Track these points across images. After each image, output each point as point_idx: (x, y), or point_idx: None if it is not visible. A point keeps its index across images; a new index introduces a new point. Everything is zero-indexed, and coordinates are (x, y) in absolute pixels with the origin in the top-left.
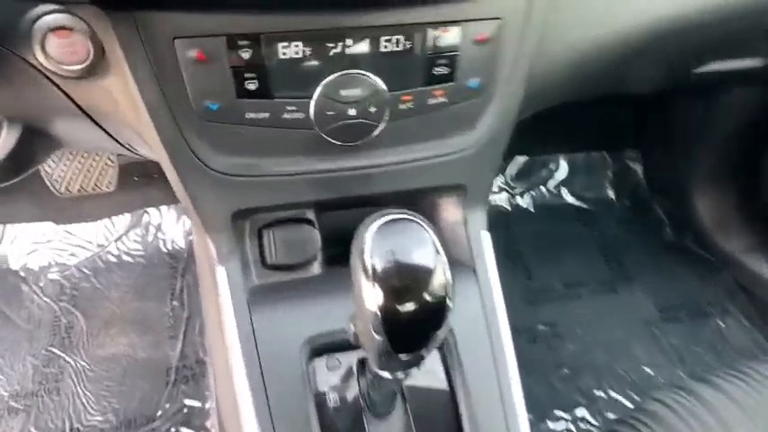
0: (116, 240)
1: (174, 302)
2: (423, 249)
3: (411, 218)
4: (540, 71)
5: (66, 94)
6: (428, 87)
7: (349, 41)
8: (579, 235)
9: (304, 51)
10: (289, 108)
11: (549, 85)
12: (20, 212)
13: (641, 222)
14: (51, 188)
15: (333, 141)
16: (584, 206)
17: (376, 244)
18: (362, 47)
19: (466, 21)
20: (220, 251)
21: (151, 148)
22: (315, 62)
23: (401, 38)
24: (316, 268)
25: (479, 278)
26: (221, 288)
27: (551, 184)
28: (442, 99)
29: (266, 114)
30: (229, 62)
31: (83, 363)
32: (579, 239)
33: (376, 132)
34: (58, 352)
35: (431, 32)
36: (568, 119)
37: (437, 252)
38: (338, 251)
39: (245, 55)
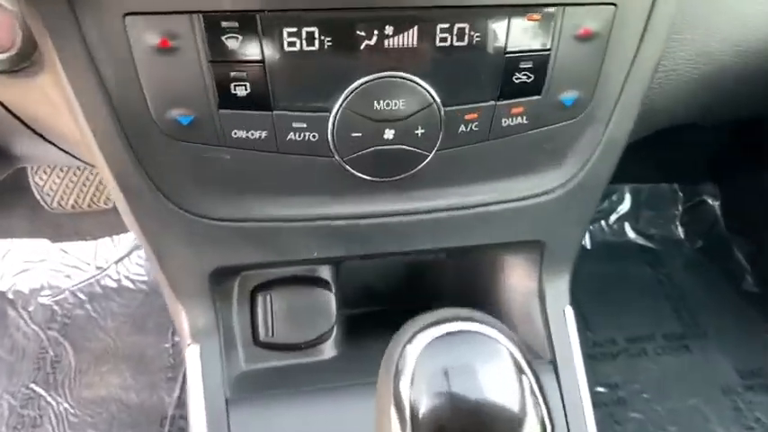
0: (116, 263)
1: (176, 338)
2: (503, 387)
3: (484, 330)
4: (660, 85)
5: None
6: (502, 102)
7: (389, 29)
8: (643, 279)
9: (321, 42)
10: (296, 125)
11: (662, 104)
12: (12, 227)
13: (717, 267)
14: (42, 202)
15: (359, 175)
16: (650, 245)
17: (422, 370)
18: (409, 38)
19: (564, 4)
20: (194, 323)
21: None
22: (337, 59)
23: (466, 27)
24: (329, 349)
25: (562, 377)
26: (191, 378)
27: (612, 218)
28: (520, 120)
29: (262, 133)
30: (208, 54)
31: (66, 405)
32: (643, 284)
33: (422, 165)
34: (40, 391)
35: (513, 21)
36: (634, 143)
37: (530, 392)
38: (361, 318)
39: (233, 44)
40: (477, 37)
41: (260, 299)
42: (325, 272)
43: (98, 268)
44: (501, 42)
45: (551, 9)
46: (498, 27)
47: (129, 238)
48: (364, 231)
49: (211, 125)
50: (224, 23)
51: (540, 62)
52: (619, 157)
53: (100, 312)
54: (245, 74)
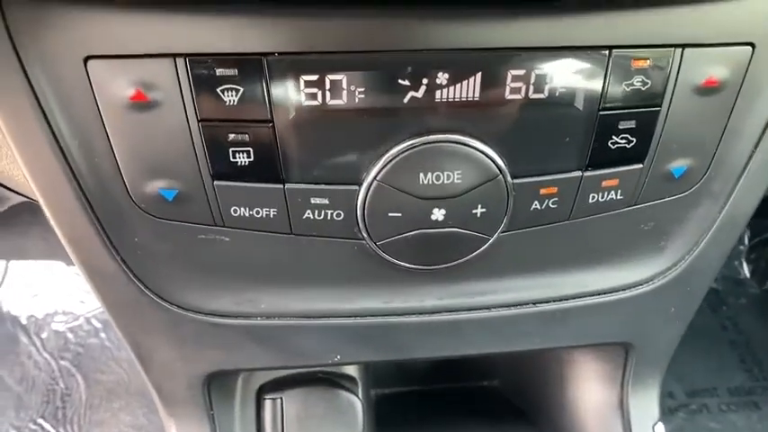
0: None
1: None
2: None
3: None
4: None
5: None
6: (591, 173)
7: (442, 77)
8: (704, 323)
9: (351, 93)
10: (315, 201)
11: None
12: (28, 248)
13: None
14: None
15: (396, 262)
16: (712, 285)
17: None
18: (469, 89)
19: (685, 45)
20: None
21: None
22: (371, 116)
23: (547, 74)
24: None
25: None
26: None
27: None
28: (613, 194)
29: (271, 211)
30: (197, 110)
31: None
32: (704, 329)
33: (480, 250)
34: (48, 426)
35: (612, 67)
36: None
37: None
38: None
39: (230, 96)
40: (561, 88)
41: (268, 404)
42: (352, 370)
43: None
44: (594, 96)
45: (667, 51)
46: (592, 75)
47: None
48: (400, 332)
49: (203, 201)
50: (219, 70)
51: (646, 122)
52: (737, 239)
53: (114, 342)
54: (247, 136)
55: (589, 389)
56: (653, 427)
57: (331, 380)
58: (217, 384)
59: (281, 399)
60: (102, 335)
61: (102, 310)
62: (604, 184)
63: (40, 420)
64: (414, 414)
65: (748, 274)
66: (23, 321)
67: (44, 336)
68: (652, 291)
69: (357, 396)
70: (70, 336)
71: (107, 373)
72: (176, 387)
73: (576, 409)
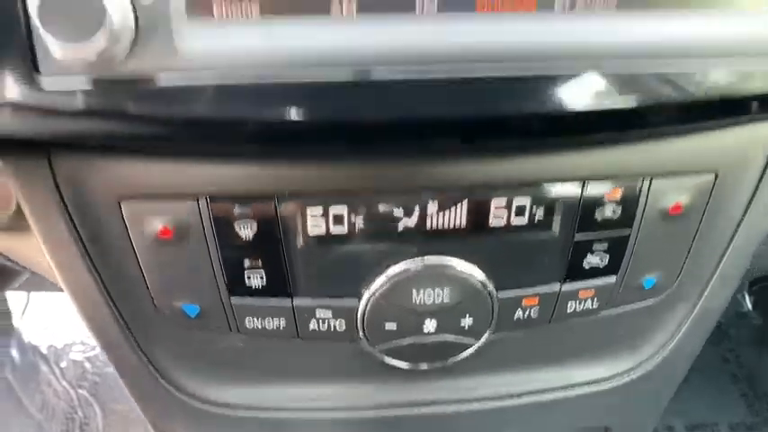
0: None
1: None
2: None
3: None
4: None
5: None
6: (569, 286)
7: (432, 207)
8: (706, 357)
9: (351, 223)
10: (320, 314)
11: None
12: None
13: None
14: None
15: (393, 363)
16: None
17: None
18: (455, 216)
19: (652, 175)
20: None
21: None
22: (369, 242)
23: (528, 203)
24: None
25: None
26: None
27: None
28: (590, 303)
29: (281, 321)
30: (217, 243)
31: None
32: (706, 363)
33: (468, 352)
34: None
35: (586, 198)
36: None
37: None
38: None
39: (246, 232)
40: (540, 216)
41: None
42: None
43: None
44: (570, 223)
45: (636, 182)
46: (567, 205)
47: None
48: (398, 422)
49: (221, 315)
50: (236, 209)
51: (617, 243)
52: (709, 333)
53: None
54: (260, 261)
55: None
56: None
57: None
58: None
59: None
60: None
61: None
62: (581, 294)
63: None
64: None
65: (750, 307)
66: (44, 351)
67: (63, 365)
68: (629, 381)
69: None
70: (88, 365)
71: (122, 403)
72: None
73: None
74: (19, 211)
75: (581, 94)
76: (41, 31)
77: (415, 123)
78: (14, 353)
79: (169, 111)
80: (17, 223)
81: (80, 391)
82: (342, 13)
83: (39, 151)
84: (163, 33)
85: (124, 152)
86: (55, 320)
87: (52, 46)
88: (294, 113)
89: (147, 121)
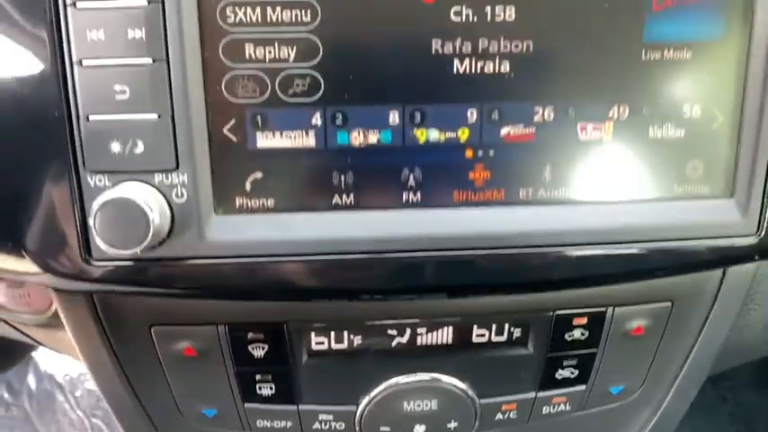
0: None
1: None
2: None
3: None
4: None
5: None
6: (544, 393)
7: (421, 330)
8: (703, 395)
9: (351, 343)
10: (322, 417)
11: (740, 352)
12: None
13: None
14: None
15: None
16: None
17: None
18: (443, 337)
19: (615, 305)
20: None
21: None
22: (365, 358)
23: (506, 326)
24: None
25: None
26: None
27: None
28: (563, 407)
29: (287, 423)
30: (233, 361)
31: None
32: (703, 402)
33: None
34: None
35: (555, 322)
36: None
37: None
38: None
39: (258, 351)
40: (517, 333)
41: None
42: None
43: None
44: (543, 343)
45: (601, 311)
46: (540, 329)
47: None
48: None
49: (236, 417)
50: (250, 334)
51: (586, 360)
52: (678, 422)
53: None
54: (269, 376)
55: None
56: None
57: None
58: None
59: None
60: None
61: None
62: (554, 400)
63: None
64: None
65: None
66: (59, 380)
67: (78, 394)
68: None
69: None
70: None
71: None
72: None
73: None
74: (56, 314)
75: (541, 267)
76: (98, 240)
77: (402, 290)
78: (31, 381)
79: (196, 284)
80: (53, 322)
81: (94, 420)
82: (341, 208)
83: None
84: (194, 226)
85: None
86: None
87: (105, 248)
88: (300, 285)
89: (177, 289)
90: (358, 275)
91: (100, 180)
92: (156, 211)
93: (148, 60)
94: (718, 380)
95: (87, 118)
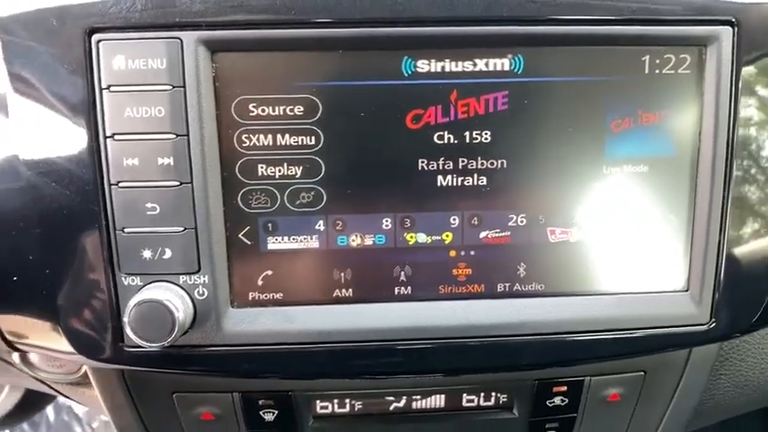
0: None
1: None
2: None
3: None
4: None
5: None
6: None
7: (416, 396)
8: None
9: (352, 407)
10: None
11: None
12: None
13: None
14: None
15: None
16: None
17: None
18: (435, 402)
19: (592, 375)
20: None
21: None
22: (367, 423)
23: (493, 393)
24: None
25: None
26: None
27: None
28: None
29: None
30: (247, 424)
31: None
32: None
33: None
34: None
35: (536, 389)
36: None
37: None
38: None
39: (269, 416)
40: (504, 399)
41: None
42: None
43: None
44: (527, 408)
45: (579, 380)
46: (524, 395)
47: None
48: None
49: None
50: (261, 401)
51: (566, 423)
52: None
53: None
54: None
55: None
56: None
57: None
58: None
59: None
60: None
61: None
62: None
63: None
64: None
65: None
66: (77, 411)
67: (95, 425)
68: None
69: None
70: None
71: None
72: None
73: None
74: (85, 374)
75: (517, 353)
76: (130, 333)
77: (395, 373)
78: (50, 413)
79: (213, 367)
80: (83, 381)
81: None
82: (341, 301)
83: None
84: (212, 318)
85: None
86: None
87: (137, 341)
88: (303, 370)
89: (196, 370)
90: (356, 361)
91: (133, 281)
92: (182, 311)
93: (176, 183)
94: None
95: (123, 230)
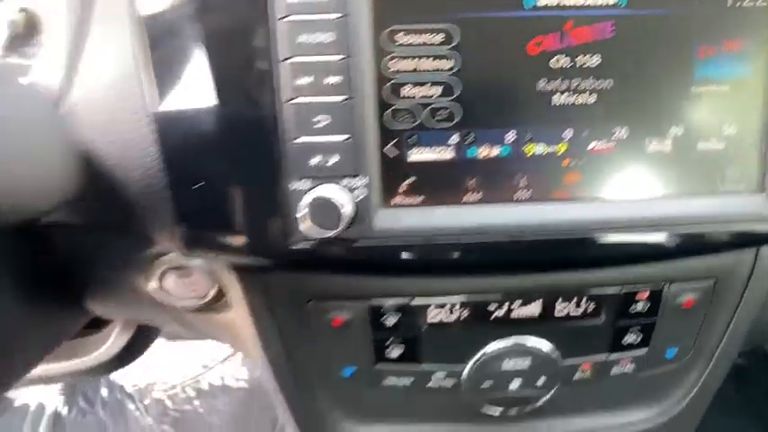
0: (222, 362)
1: None
2: None
3: None
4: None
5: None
6: (613, 356)
7: (516, 305)
8: (728, 401)
9: (460, 315)
10: (436, 376)
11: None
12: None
13: None
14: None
15: (487, 411)
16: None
17: None
18: (532, 310)
19: (670, 281)
20: None
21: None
22: (472, 327)
23: (583, 300)
24: None
25: None
26: None
27: None
28: (628, 368)
29: (408, 380)
30: (372, 327)
31: None
32: (729, 406)
33: (539, 403)
34: None
35: (623, 296)
36: None
37: None
38: None
39: (390, 320)
40: (592, 307)
41: None
42: None
43: (204, 367)
44: (612, 313)
45: (659, 286)
46: (610, 302)
47: None
48: None
49: (368, 375)
50: (384, 307)
51: (647, 328)
52: (715, 390)
53: (206, 408)
54: (399, 340)
55: None
56: None
57: None
58: None
59: None
60: (196, 402)
61: (194, 381)
62: (622, 361)
63: None
64: None
65: None
66: (129, 390)
67: (147, 402)
68: (655, 427)
69: None
70: (168, 403)
71: None
72: None
73: None
74: (213, 298)
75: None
76: (302, 227)
77: (511, 265)
78: (104, 392)
79: (365, 257)
80: (211, 305)
81: (163, 426)
82: (470, 204)
83: (263, 274)
84: (367, 217)
85: (314, 272)
86: (138, 363)
87: (306, 233)
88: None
89: (347, 263)
90: (482, 253)
91: (303, 184)
92: (346, 206)
93: (342, 98)
94: (743, 386)
95: (294, 140)
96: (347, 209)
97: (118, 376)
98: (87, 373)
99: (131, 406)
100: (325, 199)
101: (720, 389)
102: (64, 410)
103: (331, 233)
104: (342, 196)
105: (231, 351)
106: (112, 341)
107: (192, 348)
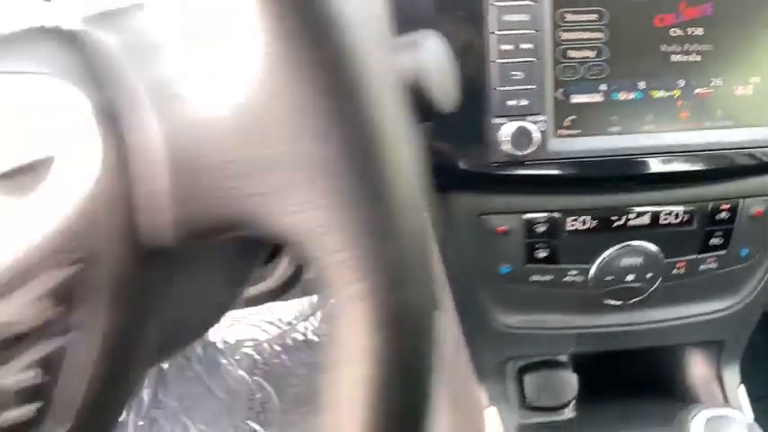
0: (304, 320)
1: None
2: None
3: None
4: None
5: None
6: (701, 255)
7: (632, 215)
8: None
9: (590, 224)
10: (570, 273)
11: None
12: None
13: None
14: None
15: (607, 302)
16: None
17: None
18: (644, 220)
19: (745, 197)
20: (491, 393)
21: None
22: (598, 234)
23: (681, 211)
24: (569, 411)
25: None
26: (493, 428)
27: None
28: (712, 265)
29: (549, 277)
30: (525, 235)
31: None
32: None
33: (647, 294)
34: (257, 427)
35: (711, 209)
36: None
37: None
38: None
39: (540, 229)
40: (687, 217)
41: (527, 378)
42: (564, 357)
43: (288, 324)
44: (703, 222)
45: (737, 201)
46: (702, 212)
47: (312, 299)
48: (604, 336)
49: (520, 273)
50: (537, 219)
51: (726, 233)
52: None
53: (293, 361)
54: (545, 244)
55: (701, 370)
56: (737, 389)
57: (557, 363)
58: (500, 369)
59: (535, 375)
60: (283, 356)
61: (279, 337)
62: (708, 260)
63: (248, 422)
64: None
65: None
66: (220, 346)
67: (237, 357)
68: (734, 312)
69: (573, 373)
70: (257, 357)
71: (291, 386)
72: (488, 366)
73: (692, 381)
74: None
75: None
76: (503, 147)
77: (642, 178)
78: (199, 349)
79: (544, 170)
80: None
81: (255, 377)
82: (613, 134)
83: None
84: (545, 142)
85: (486, 193)
86: (227, 322)
87: (506, 152)
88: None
89: (528, 177)
90: (625, 168)
91: (502, 120)
92: (533, 134)
93: (533, 59)
94: None
95: (496, 89)
96: (534, 135)
97: (210, 335)
98: (253, 302)
99: (224, 360)
100: (523, 128)
101: None
102: (165, 365)
103: (524, 151)
104: (531, 127)
105: (312, 310)
106: (281, 272)
107: (276, 310)
